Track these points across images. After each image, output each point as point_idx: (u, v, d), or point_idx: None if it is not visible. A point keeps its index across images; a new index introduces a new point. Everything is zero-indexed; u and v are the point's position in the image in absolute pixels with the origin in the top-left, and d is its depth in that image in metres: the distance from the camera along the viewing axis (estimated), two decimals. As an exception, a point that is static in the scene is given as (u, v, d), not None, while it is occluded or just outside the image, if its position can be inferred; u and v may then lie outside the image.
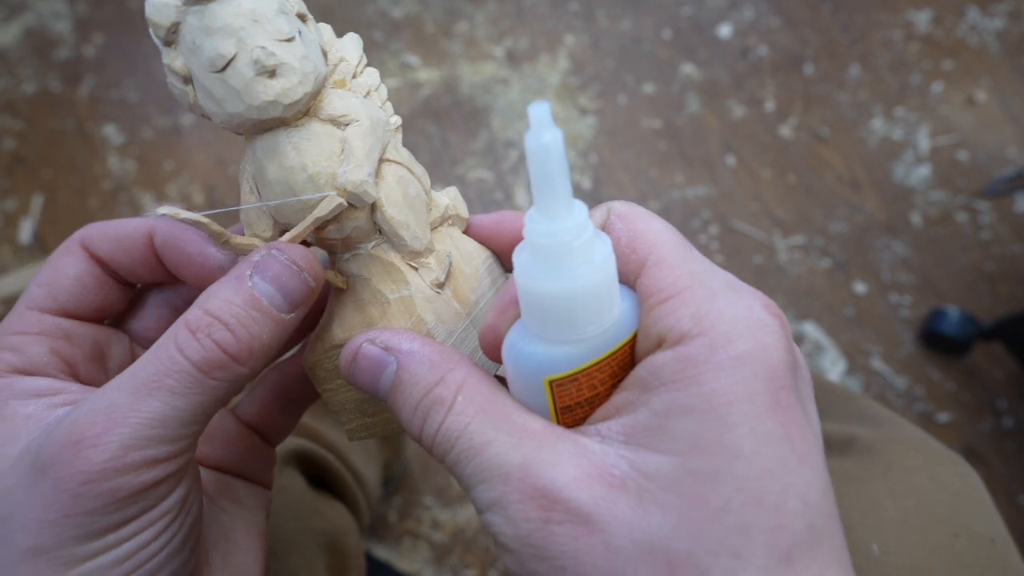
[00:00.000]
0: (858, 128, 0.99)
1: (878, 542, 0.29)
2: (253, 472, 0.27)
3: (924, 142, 0.98)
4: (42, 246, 0.95)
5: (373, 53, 1.04)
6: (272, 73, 0.20)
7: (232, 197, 0.97)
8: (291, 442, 0.41)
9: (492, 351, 0.20)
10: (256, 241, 0.22)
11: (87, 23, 1.08)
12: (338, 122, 0.22)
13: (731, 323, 0.17)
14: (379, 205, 0.23)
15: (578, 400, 0.19)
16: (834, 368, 0.86)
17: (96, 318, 0.24)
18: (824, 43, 1.05)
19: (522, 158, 0.98)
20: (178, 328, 0.19)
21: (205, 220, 0.20)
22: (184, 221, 0.19)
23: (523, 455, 0.17)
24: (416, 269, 0.24)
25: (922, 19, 1.06)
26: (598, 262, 0.18)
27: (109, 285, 0.24)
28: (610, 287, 0.18)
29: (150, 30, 0.20)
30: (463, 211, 0.27)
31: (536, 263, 0.18)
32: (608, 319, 0.18)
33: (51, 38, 1.07)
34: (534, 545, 0.16)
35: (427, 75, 1.03)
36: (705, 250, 0.93)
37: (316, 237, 0.23)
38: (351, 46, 0.24)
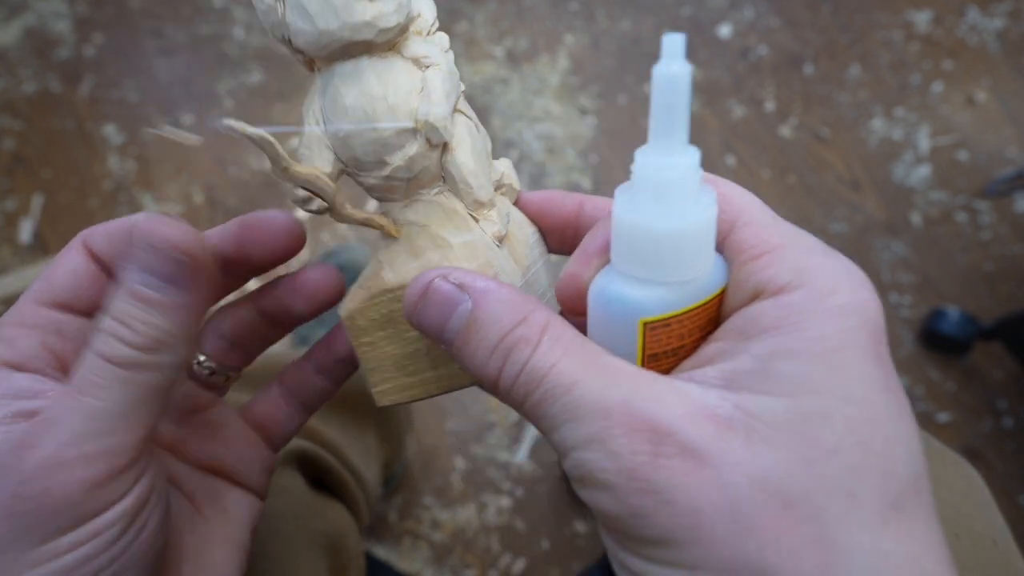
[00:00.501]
0: (858, 128, 0.99)
1: (880, 542, 0.29)
2: (249, 476, 0.27)
3: (924, 142, 0.98)
4: (42, 246, 0.95)
5: (373, 53, 1.05)
6: None
7: (231, 198, 0.97)
8: (292, 443, 0.41)
9: (572, 299, 0.20)
10: (317, 171, 0.21)
11: (87, 23, 1.08)
12: (420, 62, 0.22)
13: (832, 276, 0.17)
14: (451, 148, 0.23)
15: (666, 348, 0.19)
16: (834, 368, 0.86)
17: (90, 312, 0.23)
18: (824, 43, 1.05)
19: (522, 158, 0.98)
20: (95, 330, 0.19)
21: (270, 138, 0.19)
22: (248, 136, 0.19)
23: (623, 392, 0.16)
24: (477, 221, 0.23)
25: (922, 19, 1.06)
26: (704, 204, 0.18)
27: (103, 281, 0.24)
28: (712, 233, 0.18)
29: None
30: (516, 183, 0.26)
31: (644, 199, 0.18)
32: (707, 265, 0.18)
33: (51, 38, 1.07)
34: (641, 479, 0.16)
35: (427, 75, 1.03)
36: (705, 250, 0.93)
37: (382, 178, 0.22)
38: (427, 7, 0.24)
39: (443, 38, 0.24)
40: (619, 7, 1.08)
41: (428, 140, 0.22)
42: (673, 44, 0.16)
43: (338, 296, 0.25)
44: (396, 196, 0.23)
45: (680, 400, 0.16)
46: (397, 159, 0.22)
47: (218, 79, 1.03)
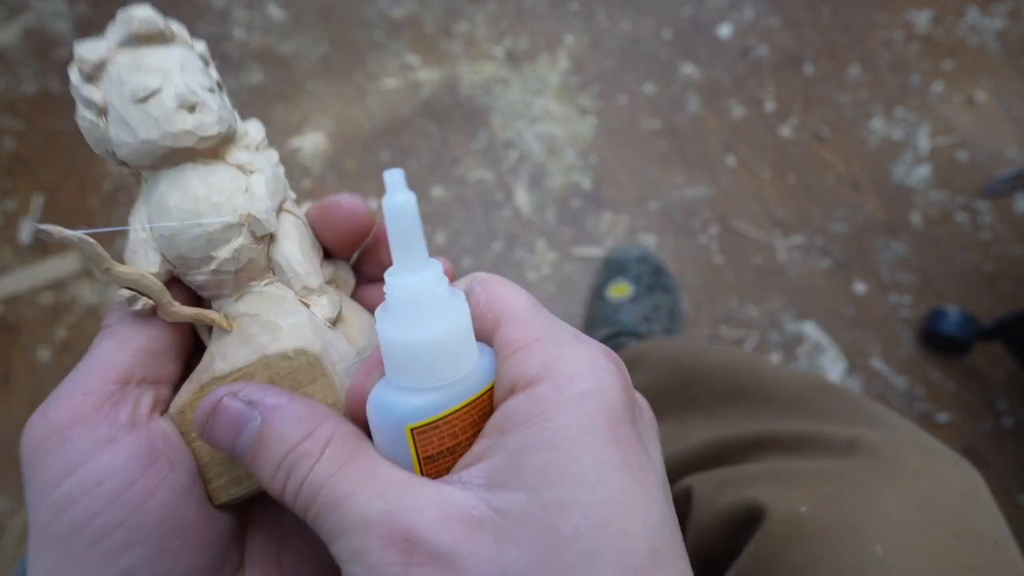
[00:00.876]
0: (858, 128, 0.99)
1: (882, 543, 0.29)
2: None
3: (924, 142, 0.98)
4: (42, 246, 0.95)
5: (373, 53, 1.04)
6: (192, 108, 0.22)
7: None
8: None
9: (358, 411, 0.21)
10: (140, 271, 0.22)
11: (87, 23, 1.08)
12: (244, 168, 0.24)
13: (574, 366, 0.18)
14: (277, 239, 0.24)
15: (440, 449, 0.19)
16: (834, 368, 0.86)
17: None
18: (824, 43, 1.05)
19: (522, 158, 0.98)
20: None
21: (90, 240, 0.20)
22: (66, 239, 0.20)
23: (386, 502, 0.17)
24: (308, 307, 0.24)
25: (922, 19, 1.06)
26: (452, 312, 0.19)
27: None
28: (466, 335, 0.20)
29: (75, 67, 0.22)
30: (351, 279, 0.28)
31: (396, 316, 0.19)
32: (465, 366, 0.19)
33: (51, 38, 1.07)
34: None
35: (427, 75, 1.03)
36: (705, 250, 0.93)
37: (209, 273, 0.23)
38: (254, 127, 0.26)
39: (273, 154, 0.26)
40: (619, 7, 1.08)
41: (253, 233, 0.23)
42: (394, 178, 0.18)
43: (369, 223, 0.26)
44: (225, 291, 0.24)
45: (438, 506, 0.17)
46: (224, 252, 0.23)
47: (218, 79, 1.03)
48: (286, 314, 0.23)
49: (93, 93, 0.22)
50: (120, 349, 0.23)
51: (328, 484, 0.18)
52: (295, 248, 0.24)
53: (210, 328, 0.24)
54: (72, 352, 0.90)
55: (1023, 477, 0.81)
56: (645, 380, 0.53)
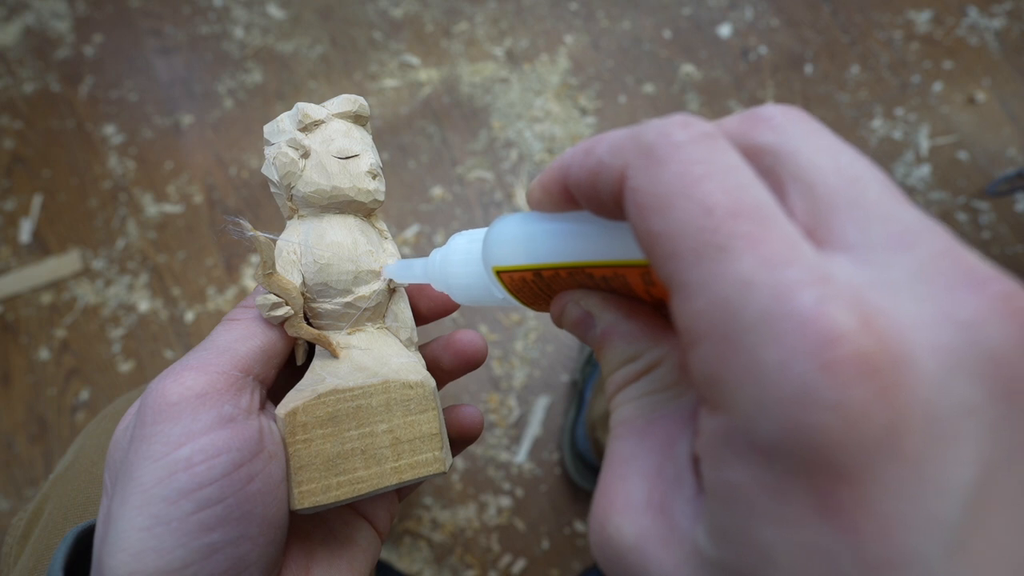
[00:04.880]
0: (858, 128, 0.99)
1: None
2: (376, 513, 0.29)
3: (924, 142, 0.98)
4: (42, 246, 0.95)
5: (373, 53, 1.04)
6: (375, 177, 0.28)
7: (231, 198, 0.96)
8: None
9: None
10: (294, 284, 0.26)
11: (87, 23, 1.08)
12: (382, 233, 0.30)
13: None
14: (396, 296, 0.29)
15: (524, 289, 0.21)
16: (834, 368, 0.86)
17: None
18: (824, 43, 1.05)
19: (522, 158, 0.98)
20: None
21: (270, 243, 0.25)
22: (253, 237, 0.24)
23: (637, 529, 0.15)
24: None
25: (922, 19, 1.06)
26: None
27: None
28: None
29: (288, 117, 0.28)
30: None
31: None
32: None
33: (51, 38, 1.07)
34: None
35: (427, 75, 1.03)
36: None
37: (342, 304, 0.27)
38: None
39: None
40: (619, 7, 1.08)
41: (388, 283, 0.28)
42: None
43: (483, 356, 0.30)
44: (343, 324, 0.28)
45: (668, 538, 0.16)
46: (363, 290, 0.27)
47: (218, 79, 1.03)
48: (397, 355, 0.27)
49: (305, 140, 0.27)
50: (245, 342, 0.24)
51: (615, 418, 0.18)
52: (408, 307, 0.29)
53: (311, 350, 0.28)
54: (72, 352, 0.90)
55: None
56: None
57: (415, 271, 0.25)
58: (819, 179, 0.14)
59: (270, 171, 0.27)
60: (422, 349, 0.31)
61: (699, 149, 0.14)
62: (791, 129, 0.15)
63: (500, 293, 0.21)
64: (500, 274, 0.21)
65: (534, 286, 0.20)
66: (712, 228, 0.13)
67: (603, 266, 0.18)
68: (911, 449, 0.11)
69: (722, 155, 0.14)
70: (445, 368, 0.30)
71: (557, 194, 0.18)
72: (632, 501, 0.15)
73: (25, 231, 0.95)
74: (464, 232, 0.23)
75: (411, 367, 0.27)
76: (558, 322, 0.21)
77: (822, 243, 0.13)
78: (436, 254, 0.24)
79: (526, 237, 0.20)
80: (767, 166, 0.14)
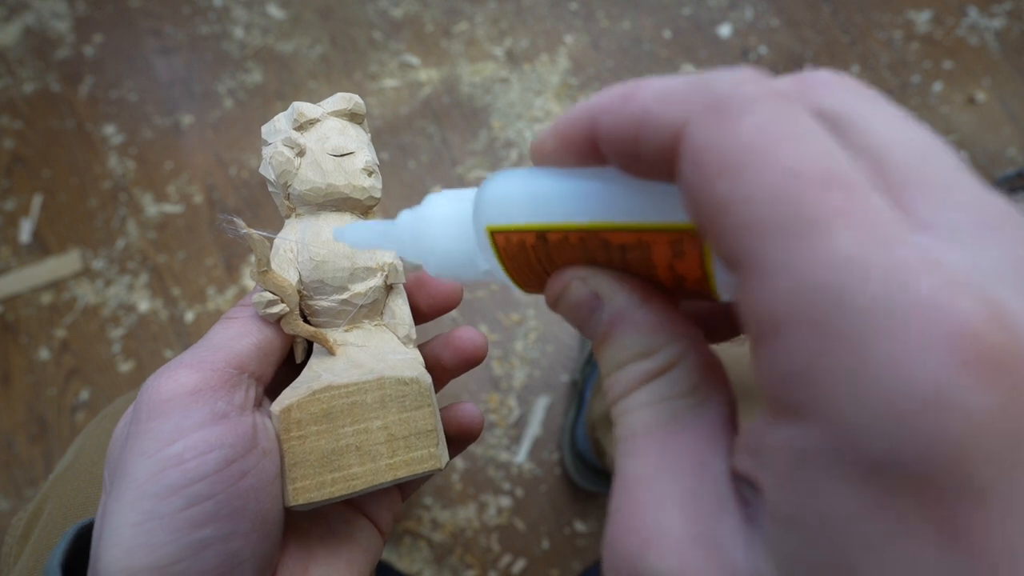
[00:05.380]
0: (858, 128, 0.99)
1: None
2: (378, 511, 0.29)
3: (924, 142, 0.98)
4: (42, 246, 0.95)
5: (373, 53, 1.04)
6: (371, 174, 0.28)
7: (231, 198, 0.97)
8: None
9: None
10: (290, 281, 0.26)
11: (87, 23, 1.08)
12: None
13: None
14: (394, 293, 0.29)
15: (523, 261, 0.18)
16: (834, 368, 0.86)
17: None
18: (824, 43, 1.05)
19: (522, 158, 0.98)
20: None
21: (264, 241, 0.24)
22: (248, 235, 0.24)
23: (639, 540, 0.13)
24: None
25: (922, 19, 1.06)
26: None
27: None
28: None
29: (284, 116, 0.28)
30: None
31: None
32: None
33: (51, 38, 1.07)
34: None
35: (427, 75, 1.03)
36: (705, 250, 0.92)
37: (338, 302, 0.27)
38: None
39: None
40: (619, 7, 1.08)
41: (386, 279, 0.28)
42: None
43: (483, 353, 0.30)
44: (339, 321, 0.28)
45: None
46: (359, 287, 0.27)
47: (218, 79, 1.03)
48: (393, 352, 0.28)
49: (300, 138, 0.27)
50: (241, 340, 0.24)
51: (626, 427, 0.15)
52: (406, 305, 0.29)
53: (308, 347, 0.28)
54: (72, 352, 0.90)
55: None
56: None
57: (375, 234, 0.21)
58: (889, 151, 0.12)
59: (267, 170, 0.28)
60: (422, 347, 0.30)
61: (777, 107, 0.12)
62: (854, 96, 0.13)
63: (486, 263, 0.18)
64: (495, 235, 0.17)
65: (533, 254, 0.17)
66: (800, 197, 0.11)
67: (625, 230, 0.15)
68: None
69: (802, 117, 0.12)
70: (445, 365, 0.30)
71: (579, 145, 0.15)
72: (670, 534, 0.13)
73: (25, 231, 0.95)
74: (443, 191, 0.19)
75: (407, 363, 0.27)
76: (554, 303, 0.18)
77: (903, 217, 0.11)
78: (406, 214, 0.20)
79: (533, 192, 0.16)
80: (832, 132, 0.13)
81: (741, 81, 0.12)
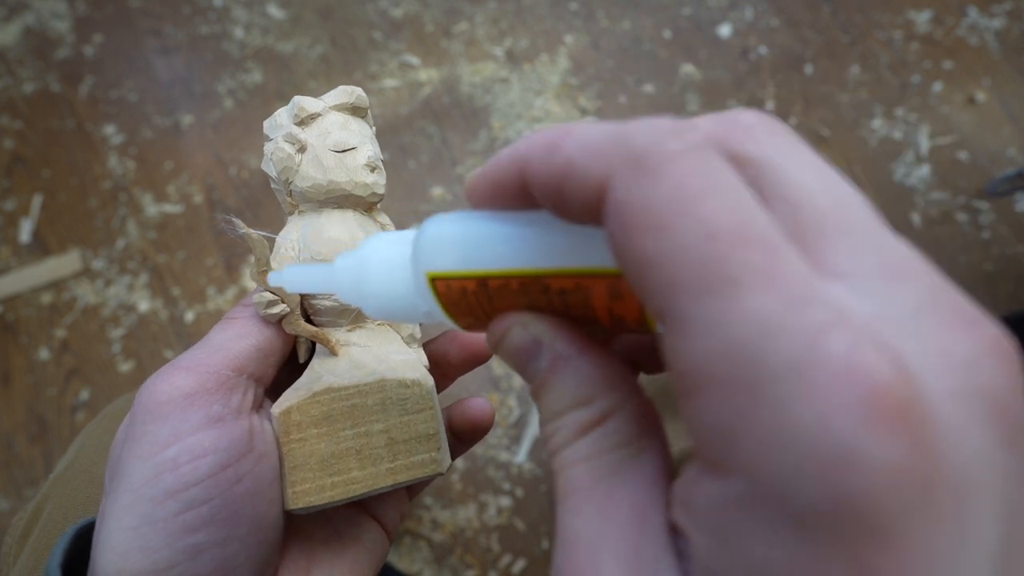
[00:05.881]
0: (858, 128, 0.99)
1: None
2: (384, 513, 0.28)
3: (924, 142, 0.98)
4: (42, 246, 0.95)
5: (373, 53, 1.04)
6: (373, 170, 0.27)
7: (231, 198, 0.97)
8: None
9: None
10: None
11: (87, 23, 1.08)
12: (384, 227, 0.29)
13: None
14: None
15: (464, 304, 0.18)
16: (834, 368, 0.86)
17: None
18: (824, 43, 1.05)
19: (522, 158, 0.98)
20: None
21: (264, 242, 0.24)
22: (247, 235, 0.23)
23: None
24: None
25: (922, 19, 1.06)
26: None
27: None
28: None
29: (285, 111, 0.27)
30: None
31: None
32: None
33: (51, 38, 1.07)
34: None
35: (427, 75, 1.03)
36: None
37: (340, 302, 0.26)
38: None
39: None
40: (619, 7, 1.08)
41: None
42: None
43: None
44: (342, 321, 0.27)
45: None
46: None
47: (218, 79, 1.03)
48: (397, 352, 0.27)
49: (301, 134, 0.27)
50: (240, 341, 0.24)
51: (566, 482, 0.15)
52: None
53: (311, 348, 0.27)
54: (72, 352, 0.90)
55: (1023, 477, 0.81)
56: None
57: (315, 278, 0.21)
58: (806, 199, 0.13)
59: (268, 167, 0.27)
60: (429, 344, 0.30)
61: (695, 162, 0.12)
62: (773, 141, 0.14)
63: (427, 306, 0.18)
64: (435, 280, 0.17)
65: (474, 299, 0.17)
66: (719, 256, 0.11)
67: (564, 275, 0.15)
68: (946, 505, 0.10)
69: (719, 171, 0.12)
70: (452, 361, 0.30)
71: (510, 190, 0.15)
72: None
73: (25, 231, 0.95)
74: (380, 234, 0.19)
75: (410, 365, 0.26)
76: (494, 348, 0.18)
77: (814, 268, 0.12)
78: (344, 259, 0.19)
79: (472, 238, 0.16)
80: (751, 179, 0.13)
81: (661, 134, 0.13)
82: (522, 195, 0.15)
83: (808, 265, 0.12)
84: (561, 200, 0.14)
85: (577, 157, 0.14)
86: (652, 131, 0.13)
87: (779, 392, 0.10)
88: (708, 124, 0.14)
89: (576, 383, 0.16)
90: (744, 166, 0.13)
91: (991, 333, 0.11)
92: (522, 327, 0.17)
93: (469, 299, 0.17)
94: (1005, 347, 0.11)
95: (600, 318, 0.16)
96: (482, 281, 0.16)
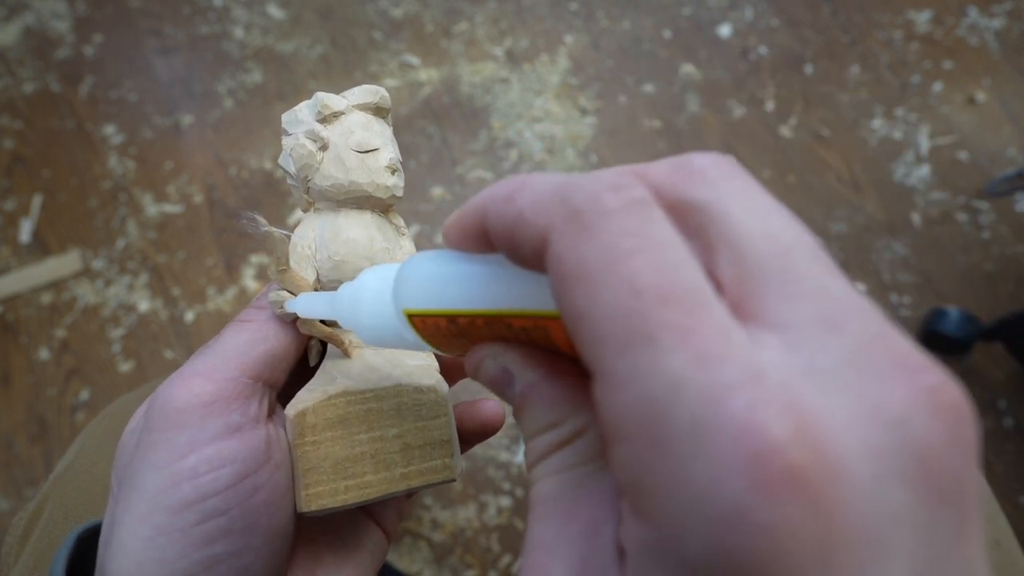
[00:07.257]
0: (858, 128, 0.99)
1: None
2: (384, 514, 0.29)
3: (924, 142, 0.98)
4: (42, 246, 0.95)
5: (373, 53, 1.04)
6: (394, 172, 0.27)
7: (231, 198, 0.96)
8: None
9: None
10: (307, 281, 0.26)
11: (87, 23, 1.08)
12: (399, 229, 0.29)
13: None
14: None
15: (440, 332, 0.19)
16: (834, 368, 0.87)
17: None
18: (824, 43, 1.05)
19: (522, 158, 0.98)
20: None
21: (284, 239, 0.24)
22: (269, 232, 0.24)
23: None
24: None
25: (922, 19, 1.06)
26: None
27: None
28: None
29: (306, 107, 0.27)
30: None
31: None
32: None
33: (51, 38, 1.07)
34: None
35: (427, 75, 1.03)
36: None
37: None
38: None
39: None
40: (619, 7, 1.08)
41: None
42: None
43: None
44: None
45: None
46: None
47: (218, 79, 1.03)
48: (411, 357, 0.27)
49: (323, 131, 0.26)
50: (254, 345, 0.24)
51: (536, 493, 0.16)
52: None
53: (323, 349, 0.27)
54: (72, 352, 0.90)
55: (1023, 477, 0.81)
56: None
57: (322, 306, 0.23)
58: (749, 246, 0.13)
59: (287, 162, 0.27)
60: None
61: (630, 219, 0.13)
62: (724, 185, 0.14)
63: (412, 336, 0.19)
64: (412, 317, 0.19)
65: (448, 333, 0.18)
66: (641, 313, 0.12)
67: (523, 316, 0.16)
68: (845, 566, 0.10)
69: (654, 227, 0.13)
70: (459, 364, 0.30)
71: (474, 236, 0.16)
72: None
73: (25, 231, 0.95)
74: (376, 267, 0.21)
75: (424, 370, 0.26)
76: (473, 376, 0.19)
77: (750, 318, 0.12)
78: (345, 289, 0.21)
79: (440, 279, 0.18)
80: (697, 225, 0.13)
81: (601, 190, 0.13)
82: (486, 240, 0.16)
83: (739, 319, 0.12)
84: (514, 249, 0.15)
85: (526, 210, 0.14)
86: (593, 187, 0.13)
87: (680, 449, 0.11)
88: (659, 172, 0.15)
89: (545, 408, 0.16)
90: (690, 214, 0.14)
91: (931, 383, 0.11)
92: (492, 359, 0.18)
93: (444, 333, 0.18)
94: (945, 397, 0.11)
95: (563, 351, 0.17)
96: (451, 318, 0.18)
